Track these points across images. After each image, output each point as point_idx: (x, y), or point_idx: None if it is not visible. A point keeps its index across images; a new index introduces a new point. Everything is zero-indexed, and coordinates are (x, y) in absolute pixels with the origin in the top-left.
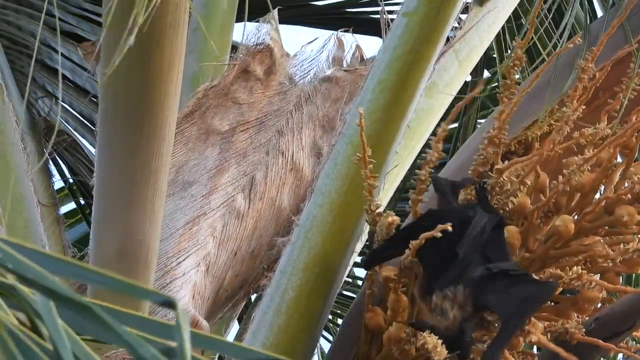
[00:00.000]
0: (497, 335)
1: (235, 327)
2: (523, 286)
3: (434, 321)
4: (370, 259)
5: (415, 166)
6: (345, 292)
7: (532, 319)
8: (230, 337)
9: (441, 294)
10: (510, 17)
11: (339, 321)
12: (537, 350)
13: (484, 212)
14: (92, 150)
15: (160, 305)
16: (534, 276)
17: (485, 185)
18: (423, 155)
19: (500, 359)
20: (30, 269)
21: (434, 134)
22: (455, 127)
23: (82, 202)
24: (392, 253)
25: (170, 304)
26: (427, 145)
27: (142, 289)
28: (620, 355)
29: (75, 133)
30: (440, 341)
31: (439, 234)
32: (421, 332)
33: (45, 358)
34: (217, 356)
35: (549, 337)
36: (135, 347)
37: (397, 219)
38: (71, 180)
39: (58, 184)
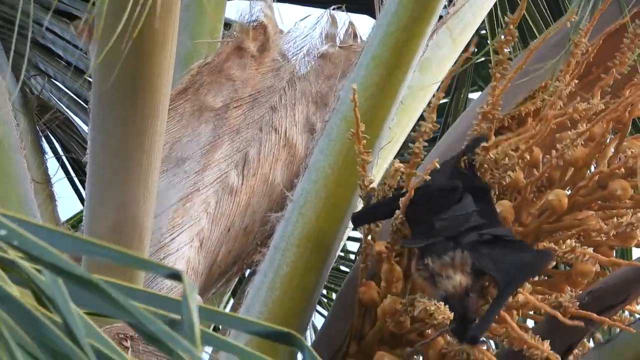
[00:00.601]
0: (494, 301)
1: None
2: (519, 253)
3: (436, 286)
4: (360, 216)
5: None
6: (339, 267)
7: None
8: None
9: (439, 261)
10: None
11: (334, 296)
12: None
13: (471, 183)
14: (85, 128)
15: (165, 277)
16: (529, 245)
17: (474, 162)
18: (416, 128)
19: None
20: (36, 246)
21: (428, 106)
22: (447, 102)
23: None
24: (382, 213)
25: (175, 275)
26: (420, 119)
27: (148, 261)
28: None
29: (68, 111)
30: (441, 303)
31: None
32: (419, 299)
33: (56, 330)
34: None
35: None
36: (143, 321)
37: (401, 165)
38: (64, 158)
39: (51, 161)
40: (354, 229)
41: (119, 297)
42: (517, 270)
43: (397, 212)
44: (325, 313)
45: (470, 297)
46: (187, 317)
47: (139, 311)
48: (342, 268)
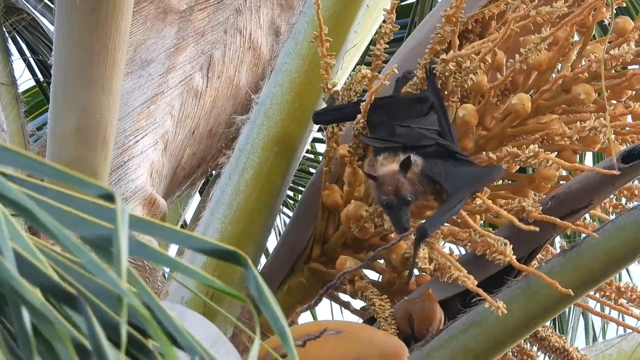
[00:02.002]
0: (442, 205)
1: (193, 204)
2: (470, 168)
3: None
4: (322, 113)
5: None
6: (308, 169)
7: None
8: (189, 214)
9: (388, 156)
10: None
11: (299, 197)
12: None
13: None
14: (52, 28)
15: (100, 198)
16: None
17: (434, 70)
18: (378, 30)
19: (438, 227)
20: None
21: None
22: (413, 3)
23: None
24: (344, 115)
25: (109, 197)
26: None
27: (81, 180)
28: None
29: (35, 11)
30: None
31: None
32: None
33: None
34: None
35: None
36: (74, 250)
37: (368, 71)
38: (31, 59)
39: (17, 62)
40: (319, 130)
41: (49, 223)
42: (467, 181)
43: (359, 116)
44: (291, 214)
45: (402, 182)
46: (116, 249)
47: (69, 241)
48: (311, 170)
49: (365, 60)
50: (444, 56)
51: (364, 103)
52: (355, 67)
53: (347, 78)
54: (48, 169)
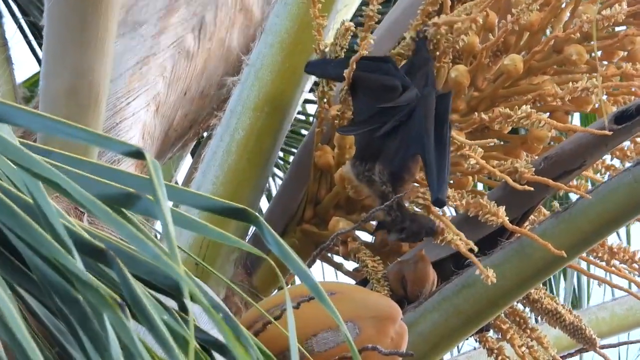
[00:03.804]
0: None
1: (186, 166)
2: (419, 120)
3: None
4: (314, 64)
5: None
6: (300, 131)
7: (470, 144)
8: (181, 175)
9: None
10: None
11: (291, 159)
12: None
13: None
14: None
15: (126, 155)
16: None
17: (425, 34)
18: None
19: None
20: None
21: None
22: None
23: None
24: (335, 73)
25: (138, 153)
26: None
27: (108, 139)
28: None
29: None
30: None
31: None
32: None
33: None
34: None
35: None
36: (94, 210)
37: (352, 24)
38: (22, 21)
39: (9, 24)
40: (310, 91)
41: (68, 186)
42: (421, 122)
43: (343, 83)
44: (283, 175)
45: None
46: (156, 199)
47: (89, 200)
48: (303, 132)
49: (356, 20)
50: (436, 19)
51: (346, 71)
52: (341, 23)
53: (334, 34)
54: (73, 130)
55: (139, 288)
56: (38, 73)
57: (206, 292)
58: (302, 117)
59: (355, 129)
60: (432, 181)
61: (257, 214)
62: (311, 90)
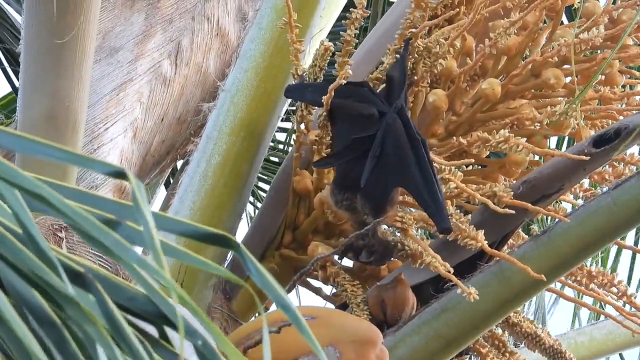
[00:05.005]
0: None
1: (162, 193)
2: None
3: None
4: (294, 88)
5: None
6: (272, 159)
7: (450, 168)
8: (157, 203)
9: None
10: None
11: (267, 187)
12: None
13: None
14: (18, 18)
15: (109, 175)
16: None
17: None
18: (346, 16)
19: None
20: None
21: None
22: None
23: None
24: (313, 98)
25: (121, 174)
26: (348, 7)
27: (89, 159)
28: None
29: (1, 1)
30: None
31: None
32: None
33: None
34: None
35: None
36: (77, 219)
37: (331, 44)
38: None
39: None
40: (285, 120)
41: (51, 196)
42: (403, 166)
43: (322, 109)
44: (259, 205)
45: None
46: (141, 218)
47: (72, 209)
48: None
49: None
50: (412, 30)
51: (325, 97)
52: (320, 43)
53: (314, 55)
54: (56, 152)
55: (117, 312)
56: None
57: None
58: (280, 146)
59: (331, 161)
60: (430, 212)
61: (237, 240)
62: (286, 119)
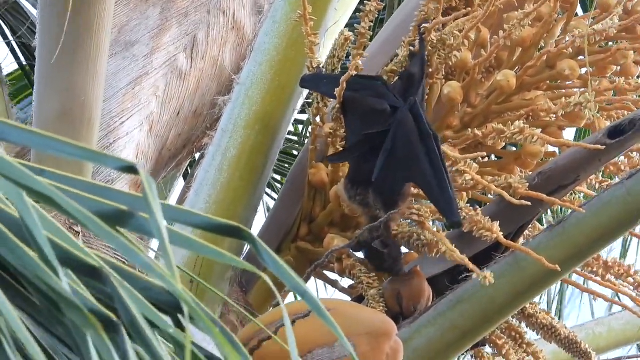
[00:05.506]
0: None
1: (179, 186)
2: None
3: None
4: (309, 79)
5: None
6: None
7: (466, 160)
8: (174, 196)
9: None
10: None
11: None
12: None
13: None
14: (35, 12)
15: (121, 170)
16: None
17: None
18: (361, 8)
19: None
20: None
21: None
22: None
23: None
24: (328, 90)
25: (131, 169)
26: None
27: (100, 154)
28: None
29: None
30: None
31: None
32: None
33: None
34: None
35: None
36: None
37: (351, 34)
38: (14, 43)
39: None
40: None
41: (57, 197)
42: (413, 160)
43: (335, 101)
44: (276, 196)
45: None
46: (150, 214)
47: (77, 209)
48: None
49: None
50: (426, 25)
51: (337, 89)
52: (340, 33)
53: (332, 46)
54: (67, 148)
55: (134, 305)
56: (30, 94)
57: (203, 308)
58: (294, 138)
59: (343, 156)
60: (440, 207)
61: (249, 231)
62: (302, 111)
